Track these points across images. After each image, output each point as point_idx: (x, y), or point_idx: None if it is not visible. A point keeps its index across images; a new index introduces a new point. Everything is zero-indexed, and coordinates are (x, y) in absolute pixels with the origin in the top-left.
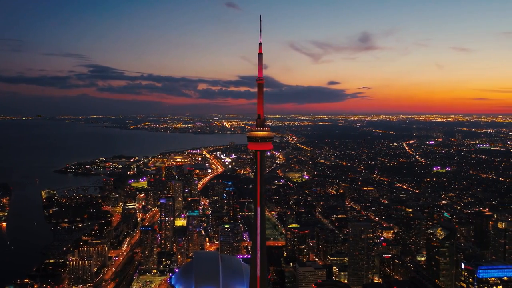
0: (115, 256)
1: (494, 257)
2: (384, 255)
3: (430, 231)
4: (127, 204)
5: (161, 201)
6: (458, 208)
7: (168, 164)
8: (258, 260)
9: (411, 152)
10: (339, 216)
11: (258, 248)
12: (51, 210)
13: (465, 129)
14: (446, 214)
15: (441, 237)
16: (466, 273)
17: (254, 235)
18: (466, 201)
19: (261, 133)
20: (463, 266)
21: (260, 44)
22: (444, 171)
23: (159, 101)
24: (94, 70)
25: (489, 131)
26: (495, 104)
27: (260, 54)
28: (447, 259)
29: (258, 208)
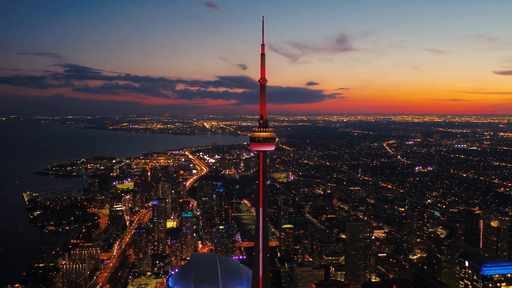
0: (107, 259)
1: (486, 255)
2: (379, 254)
3: (430, 229)
4: (114, 206)
5: (154, 202)
6: (443, 207)
7: (151, 165)
8: (260, 261)
9: (392, 152)
10: (329, 216)
11: (260, 249)
12: (35, 213)
13: (441, 129)
14: (437, 213)
15: (442, 236)
16: (470, 271)
17: (256, 236)
18: (450, 200)
19: (264, 133)
20: (466, 264)
21: (263, 45)
22: (425, 170)
23: (137, 101)
24: (70, 70)
25: (464, 131)
26: (467, 105)
27: (263, 54)
28: (449, 257)
29: (261, 209)
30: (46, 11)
